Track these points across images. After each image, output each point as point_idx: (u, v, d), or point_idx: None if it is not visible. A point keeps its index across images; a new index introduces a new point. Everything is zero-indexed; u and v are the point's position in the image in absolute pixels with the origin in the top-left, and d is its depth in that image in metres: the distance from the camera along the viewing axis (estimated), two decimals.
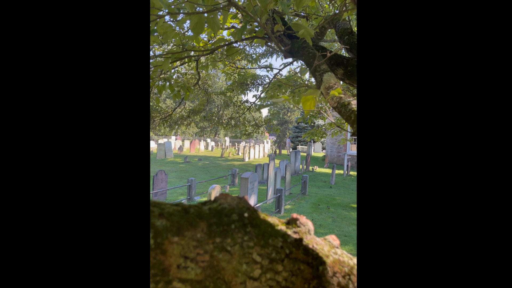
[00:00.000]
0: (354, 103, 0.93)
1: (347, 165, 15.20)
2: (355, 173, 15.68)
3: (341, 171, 15.67)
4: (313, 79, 4.77)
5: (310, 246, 0.57)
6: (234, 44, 1.91)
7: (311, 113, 5.52)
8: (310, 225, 0.61)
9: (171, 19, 1.46)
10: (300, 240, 0.57)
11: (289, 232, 0.58)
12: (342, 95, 0.92)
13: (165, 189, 8.14)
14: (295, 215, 0.61)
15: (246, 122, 6.78)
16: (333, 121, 1.25)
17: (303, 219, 0.61)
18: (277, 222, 0.60)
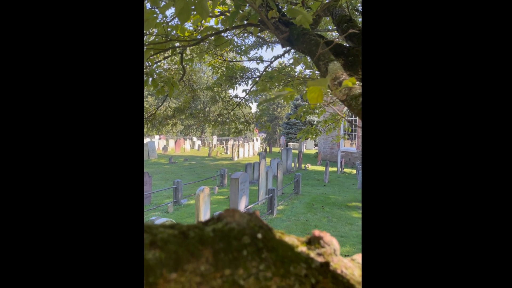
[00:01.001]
0: None
1: (341, 162, 15.05)
2: (349, 170, 15.63)
3: (335, 169, 15.50)
4: (307, 71, 4.66)
5: (339, 271, 0.47)
6: (224, 34, 1.77)
7: (303, 112, 5.41)
8: (335, 243, 0.50)
9: (153, 7, 1.33)
10: (327, 264, 0.47)
11: (312, 254, 0.47)
12: (356, 85, 0.82)
13: (150, 192, 7.88)
14: (317, 232, 0.50)
15: (236, 119, 6.54)
16: (341, 114, 1.15)
17: (327, 237, 0.50)
18: (296, 242, 0.49)
